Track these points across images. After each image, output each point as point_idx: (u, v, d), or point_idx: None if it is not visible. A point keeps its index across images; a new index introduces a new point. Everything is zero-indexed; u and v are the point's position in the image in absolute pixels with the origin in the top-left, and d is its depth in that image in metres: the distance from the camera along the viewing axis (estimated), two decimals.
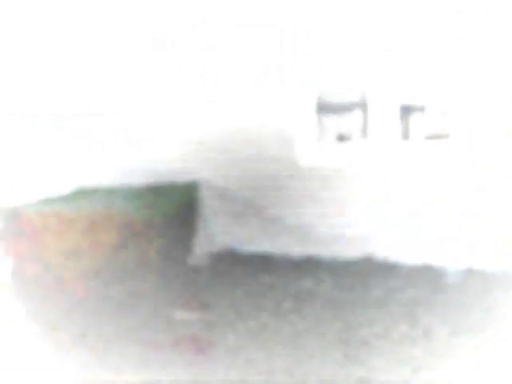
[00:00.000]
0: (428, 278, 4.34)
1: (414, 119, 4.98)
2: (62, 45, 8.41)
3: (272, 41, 6.11)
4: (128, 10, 7.38)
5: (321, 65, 5.70)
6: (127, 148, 5.36)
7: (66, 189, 5.10)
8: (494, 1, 4.68)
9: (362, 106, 5.11)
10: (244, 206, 5.26)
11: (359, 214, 5.12)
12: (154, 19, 7.08)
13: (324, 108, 5.25)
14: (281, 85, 6.09)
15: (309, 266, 4.72)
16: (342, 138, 4.93)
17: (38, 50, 8.72)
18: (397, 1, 5.14)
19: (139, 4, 7.23)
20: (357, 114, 5.17)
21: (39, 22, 8.53)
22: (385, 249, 4.97)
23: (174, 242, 4.42)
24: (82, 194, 4.93)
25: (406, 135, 4.98)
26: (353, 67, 5.44)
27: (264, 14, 6.06)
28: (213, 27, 6.57)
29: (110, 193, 4.86)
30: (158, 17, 7.03)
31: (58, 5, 8.17)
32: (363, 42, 5.35)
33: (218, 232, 5.18)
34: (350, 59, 5.48)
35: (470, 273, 4.34)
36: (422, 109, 4.96)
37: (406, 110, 4.95)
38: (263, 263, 4.88)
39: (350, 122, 5.17)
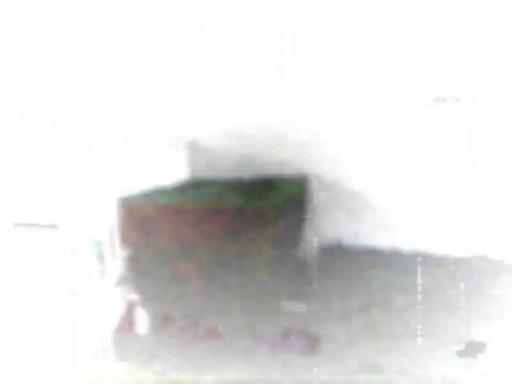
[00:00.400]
0: None
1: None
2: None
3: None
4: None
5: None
6: (236, 139, 5.33)
7: (179, 180, 5.10)
8: None
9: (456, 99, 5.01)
10: (354, 199, 5.17)
11: (471, 212, 5.01)
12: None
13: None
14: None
15: (421, 262, 4.64)
16: None
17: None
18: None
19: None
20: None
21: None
22: (498, 248, 4.86)
23: (284, 234, 4.40)
24: (194, 185, 4.97)
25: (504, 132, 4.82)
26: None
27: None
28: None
29: (222, 184, 4.88)
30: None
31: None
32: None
33: (327, 226, 5.10)
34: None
35: None
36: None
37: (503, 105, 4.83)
38: (373, 258, 4.84)
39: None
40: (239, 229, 4.12)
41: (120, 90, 7.05)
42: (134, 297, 4.46)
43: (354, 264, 4.71)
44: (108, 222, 4.38)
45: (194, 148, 5.39)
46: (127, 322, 4.45)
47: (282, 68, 6.03)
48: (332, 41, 5.56)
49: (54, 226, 5.89)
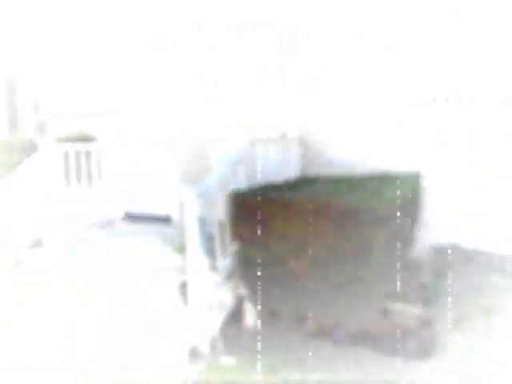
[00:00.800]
0: None
1: None
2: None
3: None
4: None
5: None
6: (351, 140, 5.14)
7: (291, 176, 5.02)
8: None
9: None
10: (469, 200, 4.83)
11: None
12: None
13: None
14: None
15: None
16: None
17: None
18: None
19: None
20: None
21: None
22: None
23: (396, 232, 4.19)
24: (305, 181, 4.87)
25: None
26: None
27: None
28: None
29: (333, 181, 4.74)
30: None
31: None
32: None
33: (441, 226, 4.75)
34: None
35: None
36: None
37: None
38: (491, 262, 4.53)
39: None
40: (351, 227, 3.94)
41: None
42: (243, 291, 4.42)
43: (469, 267, 4.41)
44: (219, 217, 4.29)
45: (305, 145, 5.30)
46: (236, 316, 4.41)
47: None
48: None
49: (166, 219, 5.96)
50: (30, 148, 5.92)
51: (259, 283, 4.28)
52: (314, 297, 4.06)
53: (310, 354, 3.92)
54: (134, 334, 4.11)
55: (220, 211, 4.32)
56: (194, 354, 3.94)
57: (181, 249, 4.50)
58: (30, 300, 4.80)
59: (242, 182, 4.70)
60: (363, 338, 3.97)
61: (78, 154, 5.93)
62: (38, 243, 5.46)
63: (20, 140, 6.63)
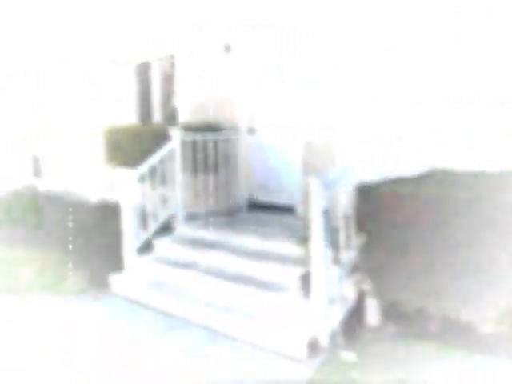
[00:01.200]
0: None
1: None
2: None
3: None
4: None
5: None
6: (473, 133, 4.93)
7: (421, 170, 4.87)
8: None
9: None
10: None
11: None
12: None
13: None
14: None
15: None
16: None
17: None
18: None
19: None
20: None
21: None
22: None
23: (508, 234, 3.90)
24: (435, 176, 4.69)
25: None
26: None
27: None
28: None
29: (464, 176, 4.51)
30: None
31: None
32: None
33: None
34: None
35: None
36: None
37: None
38: None
39: None
40: (480, 223, 3.69)
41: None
42: (367, 286, 4.29)
43: None
44: (345, 210, 4.20)
45: (433, 139, 5.13)
46: (358, 311, 4.30)
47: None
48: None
49: (291, 209, 6.06)
50: (161, 136, 6.02)
51: (384, 278, 4.14)
52: (440, 295, 3.88)
53: (432, 353, 3.81)
54: (250, 324, 4.10)
55: (345, 204, 4.24)
56: (313, 347, 3.86)
57: (304, 240, 4.45)
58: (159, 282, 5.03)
59: (369, 176, 4.56)
60: (492, 343, 3.75)
61: (205, 143, 6.08)
62: (167, 230, 5.77)
63: (151, 128, 6.78)
